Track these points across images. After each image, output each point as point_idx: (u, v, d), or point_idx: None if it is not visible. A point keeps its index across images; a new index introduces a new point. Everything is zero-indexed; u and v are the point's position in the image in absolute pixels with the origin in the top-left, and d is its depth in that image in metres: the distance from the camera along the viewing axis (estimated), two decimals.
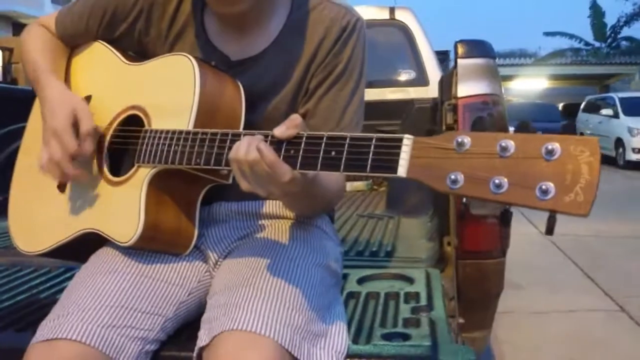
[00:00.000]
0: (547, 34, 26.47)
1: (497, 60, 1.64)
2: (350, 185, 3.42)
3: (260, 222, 1.26)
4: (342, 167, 0.85)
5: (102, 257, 1.17)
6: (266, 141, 0.92)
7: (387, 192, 2.84)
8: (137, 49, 1.28)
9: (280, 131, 0.91)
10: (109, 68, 1.26)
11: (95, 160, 1.20)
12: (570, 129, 14.48)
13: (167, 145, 1.07)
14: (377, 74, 3.77)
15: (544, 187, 0.69)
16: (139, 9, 1.23)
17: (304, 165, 0.89)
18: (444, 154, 0.76)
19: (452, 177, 0.74)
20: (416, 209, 2.29)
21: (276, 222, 1.26)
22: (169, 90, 1.15)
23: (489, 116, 1.59)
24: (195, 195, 1.18)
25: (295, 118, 0.92)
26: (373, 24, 3.81)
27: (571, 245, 5.27)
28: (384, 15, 3.73)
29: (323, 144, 0.87)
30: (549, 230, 0.67)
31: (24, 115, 1.37)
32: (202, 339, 0.99)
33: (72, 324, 0.99)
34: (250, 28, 1.21)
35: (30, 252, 1.28)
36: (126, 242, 1.10)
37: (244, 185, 0.95)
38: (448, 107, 1.61)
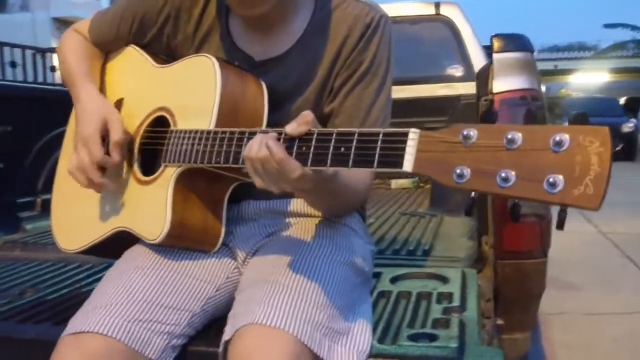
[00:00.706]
0: (607, 26, 25.37)
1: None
2: (395, 183, 3.38)
3: (287, 220, 1.26)
4: (350, 163, 0.84)
5: (132, 255, 1.20)
6: (279, 139, 0.92)
7: (431, 189, 2.79)
8: (167, 53, 1.31)
9: (291, 128, 0.91)
10: (140, 71, 1.29)
11: (127, 161, 1.23)
12: None
13: (190, 145, 1.09)
14: (423, 70, 3.72)
15: (552, 180, 0.66)
16: (166, 14, 1.26)
17: (315, 162, 0.88)
18: (451, 148, 0.73)
19: (458, 171, 0.72)
20: (459, 207, 2.24)
21: (303, 220, 1.26)
22: (192, 91, 1.17)
23: (528, 112, 1.54)
24: (221, 193, 1.19)
25: (307, 115, 0.91)
26: (418, 19, 3.77)
27: (631, 244, 5.04)
28: (430, 10, 3.67)
29: (333, 140, 0.86)
30: (560, 225, 0.64)
31: None
32: (227, 333, 1.00)
33: (99, 318, 1.02)
34: (274, 29, 1.22)
35: (69, 250, 1.33)
36: (154, 240, 1.13)
37: (258, 183, 0.95)
38: (485, 102, 1.57)
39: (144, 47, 1.31)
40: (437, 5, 3.69)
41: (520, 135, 0.69)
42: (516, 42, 1.56)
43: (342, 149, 0.85)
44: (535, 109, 1.53)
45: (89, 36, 1.36)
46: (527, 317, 1.61)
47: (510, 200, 0.69)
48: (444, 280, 1.45)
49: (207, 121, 1.10)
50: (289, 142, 0.91)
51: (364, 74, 1.19)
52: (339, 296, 1.07)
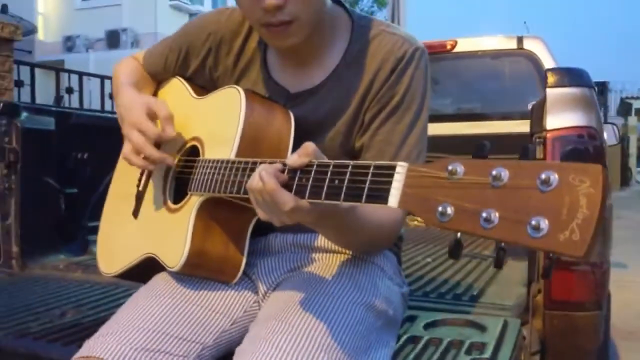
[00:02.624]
0: None
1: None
2: None
3: (312, 255, 1.22)
4: (342, 196, 0.79)
5: (153, 282, 1.20)
6: (283, 170, 0.90)
7: None
8: (210, 84, 1.32)
9: (292, 160, 0.89)
10: (181, 102, 1.32)
11: (162, 189, 1.25)
12: None
13: (211, 174, 1.09)
14: (504, 105, 3.60)
15: (535, 222, 0.59)
16: (208, 47, 1.28)
17: (312, 195, 0.85)
18: (436, 183, 0.68)
19: (441, 209, 0.66)
20: (524, 251, 2.10)
21: (328, 255, 1.21)
22: (219, 121, 1.18)
23: (584, 151, 1.43)
24: (245, 224, 1.18)
25: (308, 146, 0.89)
26: (499, 54, 3.67)
27: None
28: (512, 44, 3.57)
29: (329, 173, 0.83)
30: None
31: None
32: None
33: (108, 344, 1.02)
34: (309, 61, 1.21)
35: (107, 274, 1.36)
36: (173, 268, 1.13)
37: (260, 214, 0.93)
38: (538, 140, 1.47)
39: (189, 78, 1.34)
40: (520, 40, 3.59)
41: (506, 171, 0.62)
42: (573, 76, 1.46)
43: (336, 182, 0.81)
44: (592, 148, 1.42)
45: (143, 64, 1.41)
46: None
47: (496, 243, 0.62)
48: (482, 328, 1.35)
49: (229, 150, 1.10)
50: (292, 174, 0.89)
51: (395, 108, 1.15)
52: (350, 338, 1.01)
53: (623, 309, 3.78)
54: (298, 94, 1.21)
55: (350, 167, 0.80)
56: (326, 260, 1.20)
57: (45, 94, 8.05)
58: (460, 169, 0.66)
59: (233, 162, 1.05)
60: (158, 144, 1.20)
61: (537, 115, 1.49)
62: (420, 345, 1.27)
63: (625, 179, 16.95)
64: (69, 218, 2.54)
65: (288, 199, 0.86)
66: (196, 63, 1.31)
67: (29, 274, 2.23)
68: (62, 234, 2.53)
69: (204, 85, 1.33)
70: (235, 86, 1.18)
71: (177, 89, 1.35)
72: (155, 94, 1.41)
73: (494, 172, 0.63)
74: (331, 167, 0.83)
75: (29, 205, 2.35)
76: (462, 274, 2.02)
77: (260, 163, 0.98)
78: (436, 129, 3.36)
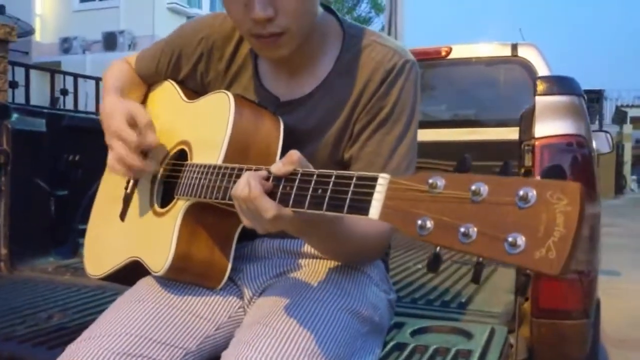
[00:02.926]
0: None
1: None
2: None
3: (298, 261, 1.22)
4: (324, 206, 0.79)
5: (138, 286, 1.20)
6: (268, 178, 0.89)
7: None
8: (201, 89, 1.32)
9: (276, 168, 0.88)
10: (171, 105, 1.32)
11: (149, 193, 1.24)
12: None
13: (198, 179, 1.09)
14: (497, 113, 3.60)
15: (512, 239, 0.58)
16: (200, 52, 1.27)
17: (295, 203, 0.84)
18: (417, 197, 0.67)
19: (420, 222, 0.65)
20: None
21: (315, 261, 1.21)
22: (208, 126, 1.18)
23: (573, 159, 1.43)
24: (231, 229, 1.17)
25: (292, 154, 0.88)
26: (493, 61, 3.67)
27: None
28: (506, 52, 3.57)
29: (313, 182, 0.82)
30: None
31: None
32: None
33: (89, 348, 1.02)
34: (299, 70, 1.21)
35: (93, 276, 1.35)
36: (158, 272, 1.12)
37: (244, 221, 0.93)
38: (527, 148, 1.47)
39: (181, 82, 1.33)
40: (514, 47, 3.59)
41: (485, 187, 0.62)
42: (562, 84, 1.46)
43: (319, 191, 0.81)
44: (580, 156, 1.42)
45: (134, 67, 1.40)
46: None
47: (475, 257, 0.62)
48: (468, 336, 1.35)
49: (216, 155, 1.09)
50: (276, 182, 0.88)
51: (385, 119, 1.15)
52: (334, 344, 1.01)
53: (615, 316, 3.79)
54: (288, 102, 1.21)
55: (333, 177, 0.80)
56: (312, 266, 1.19)
57: (41, 96, 8.03)
58: (440, 182, 0.66)
59: (219, 168, 1.05)
60: (145, 150, 1.19)
61: (526, 123, 1.48)
62: (406, 353, 1.27)
63: (620, 187, 17.00)
64: (59, 220, 2.54)
65: (270, 207, 0.85)
66: (188, 67, 1.30)
67: (18, 276, 2.22)
68: (52, 237, 2.53)
69: (195, 89, 1.33)
70: (224, 91, 1.17)
71: (168, 92, 1.34)
72: (146, 97, 1.41)
73: (473, 187, 0.62)
74: (315, 177, 0.82)
75: (19, 207, 2.34)
76: (451, 281, 2.01)
77: (247, 170, 0.97)
78: (430, 135, 3.38)
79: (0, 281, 2.15)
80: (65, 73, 6.69)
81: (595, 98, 16.53)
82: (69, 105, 6.44)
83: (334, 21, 1.22)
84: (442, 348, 1.28)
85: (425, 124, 4.10)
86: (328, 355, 0.98)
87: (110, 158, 1.18)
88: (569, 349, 1.41)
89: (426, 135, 3.14)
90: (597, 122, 16.78)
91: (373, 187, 0.73)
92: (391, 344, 1.32)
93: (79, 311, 1.64)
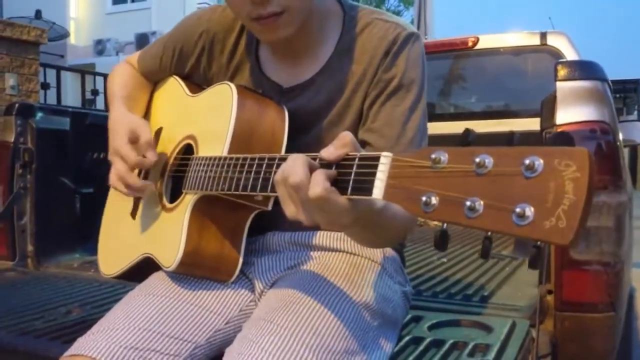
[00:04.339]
0: None
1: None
2: None
3: (309, 253, 1.19)
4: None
5: (149, 281, 1.18)
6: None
7: None
8: (205, 83, 1.31)
9: (328, 152, 0.80)
10: (176, 100, 1.31)
11: (158, 188, 1.24)
12: None
13: (205, 171, 1.08)
14: (527, 102, 3.53)
15: (520, 210, 0.55)
16: (201, 45, 1.26)
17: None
18: (420, 173, 0.64)
19: (425, 199, 0.63)
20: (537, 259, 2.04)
21: (326, 254, 1.18)
22: (211, 118, 1.17)
23: (597, 147, 1.37)
24: (241, 222, 1.15)
25: (345, 136, 0.80)
26: (522, 50, 3.60)
27: None
28: (535, 40, 3.48)
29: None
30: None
31: None
32: None
33: (98, 342, 1.00)
34: (301, 55, 1.19)
35: (107, 275, 1.35)
36: (169, 267, 1.11)
37: (290, 211, 0.83)
38: (548, 136, 1.42)
39: (186, 77, 1.32)
40: (543, 35, 3.51)
41: (490, 158, 0.59)
42: (584, 68, 1.40)
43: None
44: (605, 144, 1.36)
45: (137, 67, 1.39)
46: None
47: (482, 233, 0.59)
48: (488, 329, 1.30)
49: (221, 147, 1.08)
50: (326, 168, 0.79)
51: (394, 90, 1.11)
52: (341, 338, 0.97)
53: None
54: (291, 89, 1.19)
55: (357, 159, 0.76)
56: (324, 259, 1.16)
57: (76, 97, 8.16)
58: (444, 157, 0.63)
59: (225, 159, 1.03)
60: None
61: (547, 110, 1.44)
62: (422, 347, 1.24)
63: None
64: (84, 217, 2.56)
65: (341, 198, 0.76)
66: (191, 62, 1.29)
67: (43, 273, 2.25)
68: (78, 233, 2.54)
69: (200, 83, 1.32)
70: (227, 82, 1.15)
71: (172, 88, 1.34)
72: (152, 95, 1.40)
73: (477, 160, 0.59)
74: (317, 161, 0.80)
75: (44, 205, 2.36)
76: (475, 275, 1.97)
77: (252, 159, 0.95)
78: (459, 127, 3.30)
79: (25, 277, 2.17)
80: (95, 74, 6.79)
81: (633, 87, 16.14)
82: (100, 105, 6.55)
83: (334, 3, 1.19)
84: (459, 342, 1.24)
85: (453, 116, 4.05)
86: (335, 350, 0.95)
87: (111, 175, 1.17)
88: (594, 343, 1.35)
89: (454, 127, 3.09)
90: (635, 112, 16.38)
91: (375, 166, 0.70)
92: (407, 337, 1.29)
93: (97, 306, 1.64)
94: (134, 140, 1.17)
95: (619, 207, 1.34)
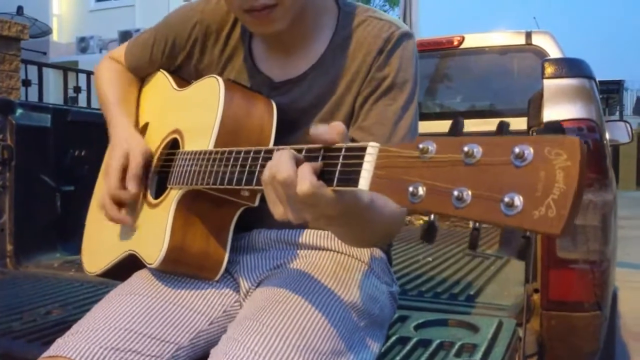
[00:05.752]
0: None
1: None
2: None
3: (296, 252, 1.16)
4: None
5: (131, 279, 1.16)
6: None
7: (502, 229, 2.57)
8: (195, 76, 1.28)
9: (323, 129, 0.76)
10: (163, 95, 1.29)
11: (144, 184, 1.21)
12: None
13: (190, 166, 1.05)
14: (510, 102, 3.54)
15: (508, 199, 0.54)
16: (194, 38, 1.24)
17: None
18: (407, 163, 0.63)
19: (412, 189, 0.61)
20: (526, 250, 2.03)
21: (312, 253, 1.16)
22: (198, 112, 1.15)
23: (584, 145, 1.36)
24: (227, 218, 1.13)
25: (338, 125, 0.76)
26: (507, 49, 3.61)
27: None
28: (520, 40, 3.50)
29: (302, 157, 0.77)
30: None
31: None
32: None
33: (77, 343, 0.98)
34: (294, 50, 1.17)
35: (90, 273, 1.32)
36: (152, 264, 1.08)
37: (277, 212, 0.80)
38: (535, 134, 1.41)
39: (176, 71, 1.30)
40: (528, 35, 3.53)
41: (479, 148, 0.58)
42: (571, 66, 1.40)
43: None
44: (592, 142, 1.36)
45: (124, 62, 1.36)
46: None
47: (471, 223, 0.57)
48: (474, 329, 1.29)
49: (207, 141, 1.06)
50: (313, 160, 0.76)
51: (387, 90, 1.10)
52: (328, 339, 0.95)
53: (635, 309, 3.70)
54: (283, 83, 1.17)
55: (322, 150, 0.75)
56: (310, 258, 1.14)
57: (58, 94, 8.07)
58: (432, 146, 0.61)
59: (210, 153, 1.01)
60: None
61: (534, 108, 1.43)
62: (408, 347, 1.22)
63: None
64: (65, 216, 2.51)
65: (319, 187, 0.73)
66: (183, 54, 1.26)
67: (23, 273, 2.20)
68: (58, 232, 2.50)
69: (189, 77, 1.29)
70: (214, 76, 1.13)
71: (160, 83, 1.31)
72: (141, 89, 1.37)
73: (465, 149, 0.58)
74: (304, 152, 0.78)
75: (24, 203, 2.32)
76: (461, 273, 1.96)
77: (238, 153, 0.93)
78: (445, 126, 3.31)
79: (4, 277, 2.12)
80: (78, 71, 6.70)
81: (615, 88, 16.32)
82: (83, 102, 6.47)
83: None
84: (446, 342, 1.23)
85: (438, 115, 4.05)
86: (321, 351, 0.93)
87: (99, 198, 1.18)
88: (581, 342, 1.34)
89: (439, 126, 3.09)
90: (617, 113, 16.57)
91: (362, 157, 0.68)
92: (394, 337, 1.27)
93: (78, 306, 1.60)
94: (125, 166, 1.16)
95: (605, 206, 1.34)
